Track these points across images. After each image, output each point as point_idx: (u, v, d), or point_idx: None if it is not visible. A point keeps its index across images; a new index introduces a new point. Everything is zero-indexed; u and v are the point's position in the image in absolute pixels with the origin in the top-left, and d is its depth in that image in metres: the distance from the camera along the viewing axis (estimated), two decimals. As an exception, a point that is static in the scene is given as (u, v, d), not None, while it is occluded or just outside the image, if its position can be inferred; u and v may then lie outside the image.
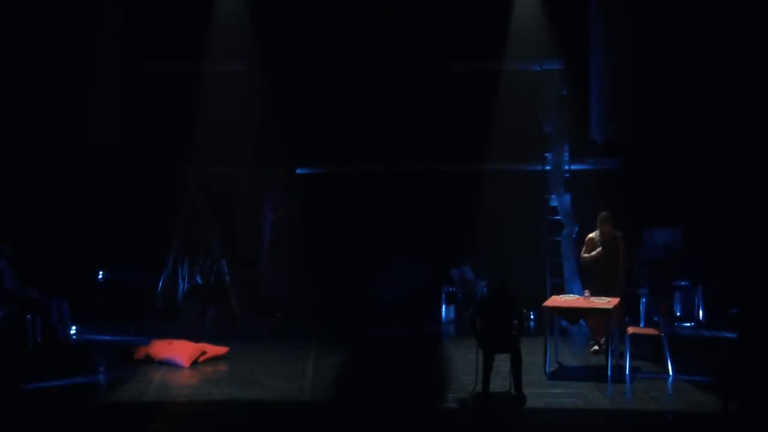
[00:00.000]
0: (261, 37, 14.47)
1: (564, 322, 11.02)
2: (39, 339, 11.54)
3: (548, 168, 14.21)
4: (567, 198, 14.05)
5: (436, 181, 15.00)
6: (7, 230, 12.26)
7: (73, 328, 11.85)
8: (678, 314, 13.12)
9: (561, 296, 11.32)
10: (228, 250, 13.76)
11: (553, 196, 14.13)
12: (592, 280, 11.00)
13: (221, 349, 10.87)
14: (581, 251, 11.40)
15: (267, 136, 14.54)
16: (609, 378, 9.51)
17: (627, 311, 11.02)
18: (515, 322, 9.18)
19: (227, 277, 13.47)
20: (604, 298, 10.43)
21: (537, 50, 14.27)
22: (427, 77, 14.53)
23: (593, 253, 11.11)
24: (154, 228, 14.09)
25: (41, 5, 13.83)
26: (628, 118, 13.58)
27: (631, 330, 10.11)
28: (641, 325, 12.39)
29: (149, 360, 10.45)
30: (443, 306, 13.54)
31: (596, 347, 11.01)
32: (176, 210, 13.60)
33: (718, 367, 8.00)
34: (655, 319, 12.55)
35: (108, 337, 12.22)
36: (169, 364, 10.30)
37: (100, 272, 13.96)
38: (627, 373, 9.82)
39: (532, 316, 13.16)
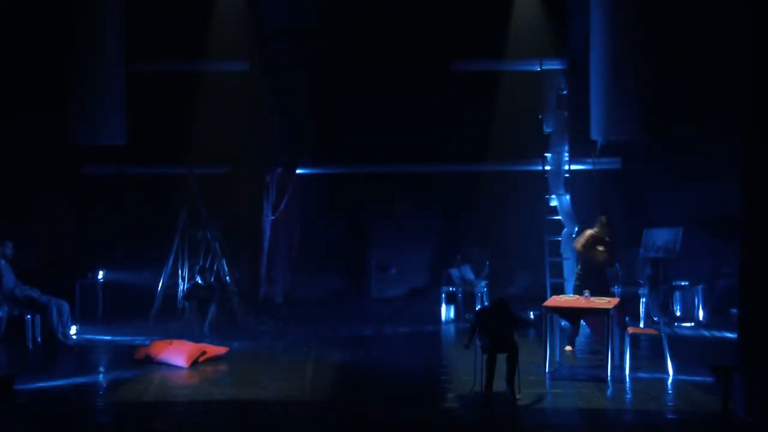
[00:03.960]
0: (261, 38, 14.50)
1: (564, 322, 11.02)
2: (39, 339, 11.55)
3: (548, 168, 14.21)
4: (567, 198, 14.05)
5: (436, 181, 15.02)
6: (7, 230, 12.26)
7: (73, 328, 11.85)
8: (678, 314, 13.13)
9: (561, 296, 11.33)
10: (228, 250, 13.76)
11: (553, 196, 14.13)
12: (591, 281, 11.02)
13: (221, 349, 10.87)
14: (579, 241, 11.44)
15: (267, 136, 14.55)
16: (609, 378, 9.51)
17: (627, 311, 11.02)
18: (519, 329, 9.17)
19: (227, 277, 13.47)
20: (604, 298, 10.43)
21: (537, 50, 14.29)
22: (428, 77, 14.54)
23: (600, 249, 11.19)
24: (154, 228, 14.11)
25: (43, 6, 13.85)
26: (628, 118, 13.59)
27: (631, 330, 10.11)
28: (641, 325, 12.40)
29: (149, 360, 10.45)
30: (443, 306, 13.54)
31: (569, 347, 11.08)
32: (176, 210, 13.60)
33: (718, 368, 7.98)
34: (656, 319, 12.57)
35: (108, 337, 12.22)
36: (169, 364, 10.30)
37: (100, 272, 13.97)
38: (627, 373, 9.82)
39: (532, 316, 13.16)
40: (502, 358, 8.99)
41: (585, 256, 11.30)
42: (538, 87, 14.31)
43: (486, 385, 8.67)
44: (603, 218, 11.45)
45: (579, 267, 11.49)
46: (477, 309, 9.40)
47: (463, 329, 12.84)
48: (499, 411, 8.59)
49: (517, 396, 8.76)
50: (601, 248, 11.23)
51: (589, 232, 11.43)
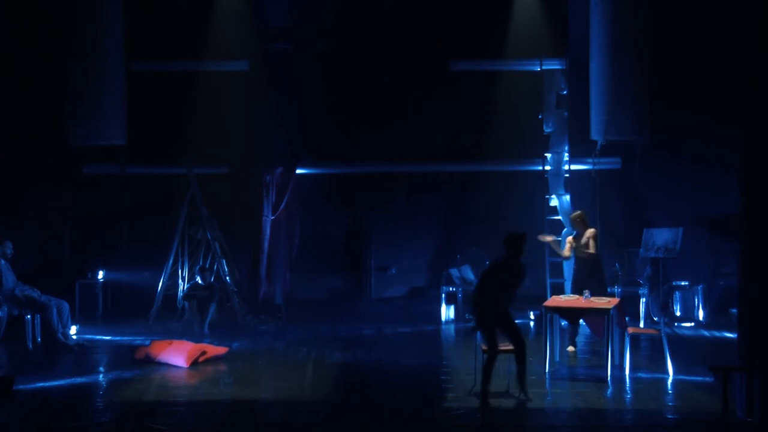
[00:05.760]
0: (260, 37, 14.50)
1: (564, 322, 11.02)
2: (39, 339, 11.54)
3: (548, 168, 14.21)
4: (567, 198, 14.05)
5: (436, 181, 15.02)
6: (7, 230, 12.27)
7: (73, 328, 11.85)
8: (678, 314, 13.13)
9: (561, 296, 11.33)
10: (228, 250, 13.76)
11: (553, 196, 14.13)
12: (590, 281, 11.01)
13: (221, 349, 10.87)
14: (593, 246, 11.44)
15: (267, 136, 14.55)
16: (609, 378, 9.51)
17: (627, 311, 11.02)
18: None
19: (227, 277, 13.47)
20: (603, 298, 10.43)
21: (537, 50, 14.31)
22: (428, 77, 14.55)
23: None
24: (154, 228, 14.12)
25: (42, 6, 13.86)
26: (628, 118, 13.61)
27: (631, 330, 10.11)
28: (641, 325, 12.40)
29: (149, 360, 10.45)
30: (443, 306, 13.54)
31: (571, 347, 11.09)
32: (176, 210, 13.60)
33: (718, 368, 7.98)
34: (656, 319, 12.57)
35: (108, 337, 12.22)
36: (169, 364, 10.30)
37: (100, 272, 13.97)
38: (627, 373, 9.82)
39: (532, 316, 13.18)
40: (503, 358, 8.99)
41: (582, 257, 11.28)
42: (538, 87, 14.32)
43: (483, 386, 8.66)
44: (577, 213, 11.48)
45: (575, 269, 11.47)
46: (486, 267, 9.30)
47: (463, 329, 12.86)
48: (498, 411, 8.58)
49: (529, 397, 8.75)
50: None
51: (593, 231, 11.38)
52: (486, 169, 14.85)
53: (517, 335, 8.87)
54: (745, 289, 8.19)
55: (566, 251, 11.45)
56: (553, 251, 13.76)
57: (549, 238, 11.55)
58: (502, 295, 8.97)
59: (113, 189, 14.51)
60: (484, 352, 9.04)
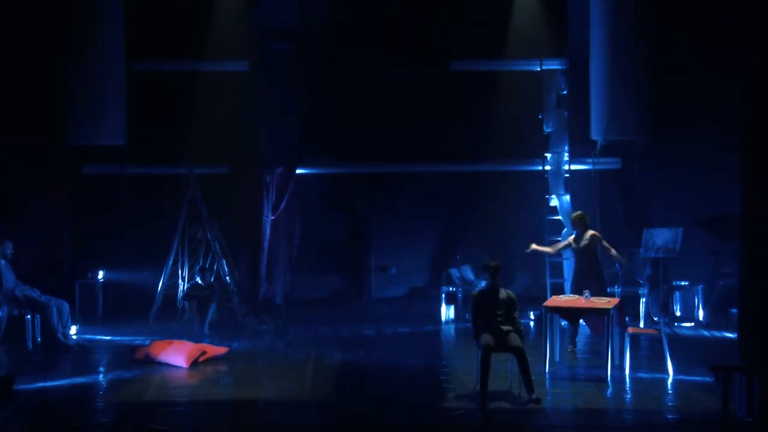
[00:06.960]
0: (260, 37, 14.50)
1: (564, 322, 11.02)
2: (39, 339, 11.54)
3: (548, 168, 14.21)
4: (567, 198, 14.05)
5: (437, 181, 15.02)
6: (7, 230, 12.27)
7: (73, 328, 11.85)
8: (678, 314, 13.13)
9: (561, 296, 11.33)
10: (228, 250, 13.76)
11: (553, 196, 14.13)
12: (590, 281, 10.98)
13: (221, 349, 10.88)
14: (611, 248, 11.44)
15: (267, 136, 14.55)
16: (609, 378, 9.51)
17: (627, 311, 11.01)
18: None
19: (227, 277, 13.48)
20: (604, 298, 10.43)
21: (537, 50, 14.31)
22: (428, 77, 14.55)
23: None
24: (154, 228, 14.12)
25: (42, 6, 13.86)
26: (628, 118, 13.61)
27: (631, 330, 10.11)
28: (641, 325, 12.40)
29: (149, 360, 10.45)
30: (443, 306, 13.54)
31: (571, 347, 11.09)
32: (176, 210, 13.60)
33: (718, 368, 7.98)
34: (656, 319, 12.57)
35: (108, 337, 12.22)
36: (169, 364, 10.30)
37: (100, 272, 13.97)
38: (627, 373, 9.82)
39: (532, 316, 13.17)
40: (502, 358, 8.98)
41: (589, 256, 11.26)
42: (538, 87, 14.32)
43: (482, 384, 8.66)
44: (581, 213, 11.43)
45: (577, 267, 11.42)
46: (477, 290, 9.43)
47: (463, 329, 12.86)
48: (498, 411, 8.58)
49: (534, 396, 8.71)
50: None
51: (592, 233, 11.37)
52: (486, 169, 14.86)
53: (520, 355, 8.83)
54: (745, 289, 8.19)
55: (551, 248, 11.61)
56: (553, 253, 13.79)
57: (534, 247, 11.60)
58: (499, 321, 9.00)
59: (113, 189, 14.51)
60: (480, 349, 9.04)
